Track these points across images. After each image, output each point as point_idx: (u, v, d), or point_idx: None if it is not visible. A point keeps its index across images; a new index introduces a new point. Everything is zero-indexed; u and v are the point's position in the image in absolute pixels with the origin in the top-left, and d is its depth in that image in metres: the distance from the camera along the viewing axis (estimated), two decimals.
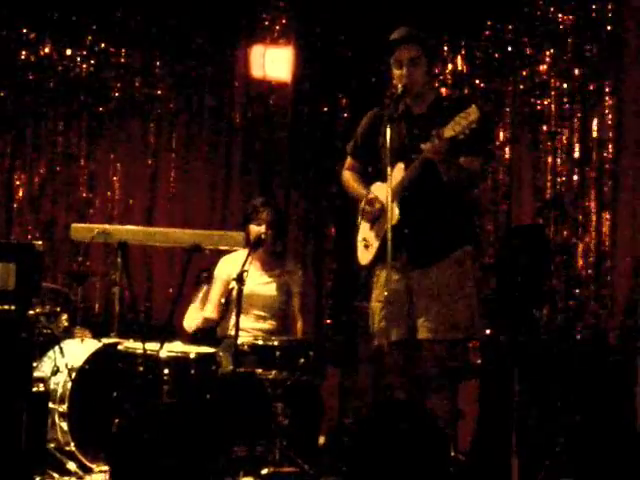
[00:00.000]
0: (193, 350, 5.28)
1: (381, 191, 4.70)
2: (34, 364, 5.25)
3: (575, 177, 6.22)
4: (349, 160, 5.09)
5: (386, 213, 4.49)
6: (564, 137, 6.28)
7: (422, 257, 4.68)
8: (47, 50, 7.26)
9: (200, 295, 5.97)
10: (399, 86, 4.68)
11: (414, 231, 4.66)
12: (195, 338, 5.88)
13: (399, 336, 4.72)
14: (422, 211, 4.65)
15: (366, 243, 4.83)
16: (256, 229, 5.83)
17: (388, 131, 4.51)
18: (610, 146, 6.06)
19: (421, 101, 4.76)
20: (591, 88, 6.17)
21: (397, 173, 4.63)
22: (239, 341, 5.19)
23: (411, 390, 4.76)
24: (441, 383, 4.67)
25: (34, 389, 5.03)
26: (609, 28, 6.06)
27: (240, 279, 5.14)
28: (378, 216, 4.74)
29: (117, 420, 4.47)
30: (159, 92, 7.42)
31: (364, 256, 4.88)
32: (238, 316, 5.12)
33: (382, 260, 4.64)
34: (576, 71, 6.25)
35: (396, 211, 4.60)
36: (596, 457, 4.82)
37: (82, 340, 5.65)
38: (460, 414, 4.97)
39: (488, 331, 5.58)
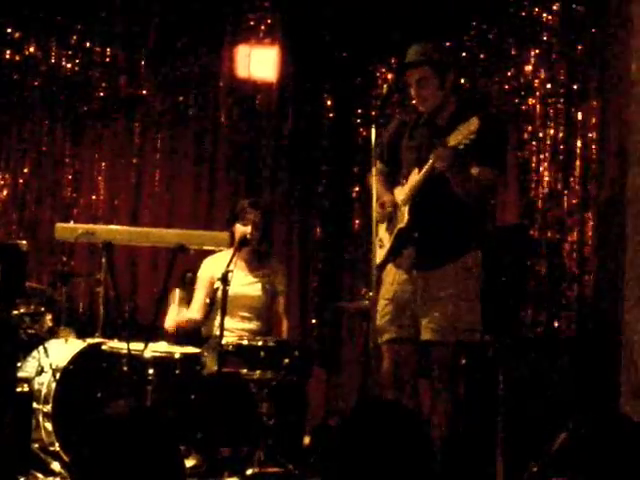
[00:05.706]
0: (178, 350, 5.28)
1: (400, 194, 4.82)
2: (18, 364, 5.25)
3: (559, 177, 6.24)
4: (377, 163, 5.14)
5: (399, 215, 4.73)
6: (548, 137, 6.30)
7: (429, 260, 4.73)
8: (32, 50, 7.22)
9: (177, 295, 5.86)
10: (384, 86, 4.74)
11: (423, 235, 4.74)
12: (179, 338, 5.86)
13: (398, 334, 4.78)
14: (431, 216, 4.72)
15: (381, 243, 4.93)
16: (242, 229, 5.82)
17: (373, 131, 4.58)
18: (594, 146, 6.07)
19: (441, 113, 4.79)
20: (575, 88, 6.20)
21: (412, 178, 4.73)
22: (224, 341, 5.19)
23: (401, 390, 4.79)
24: (443, 385, 4.70)
25: (18, 389, 5.02)
26: (593, 29, 6.08)
27: (225, 279, 5.14)
28: (392, 218, 4.85)
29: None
30: (144, 92, 7.39)
31: (378, 254, 4.96)
32: (223, 316, 5.12)
33: (391, 259, 4.82)
34: (561, 71, 6.27)
35: (405, 215, 4.73)
36: (586, 453, 4.83)
37: (66, 340, 5.63)
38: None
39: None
